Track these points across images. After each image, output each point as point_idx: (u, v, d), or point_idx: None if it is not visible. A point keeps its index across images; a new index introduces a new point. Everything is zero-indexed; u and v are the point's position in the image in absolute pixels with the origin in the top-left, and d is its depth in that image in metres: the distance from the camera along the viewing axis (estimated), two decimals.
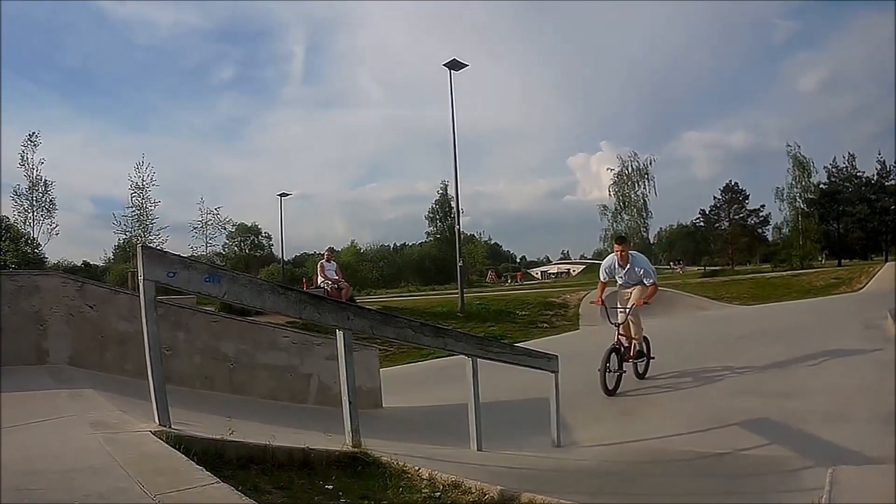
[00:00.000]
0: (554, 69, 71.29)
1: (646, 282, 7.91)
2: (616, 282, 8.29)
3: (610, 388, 7.26)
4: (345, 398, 3.81)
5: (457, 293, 21.87)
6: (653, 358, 8.20)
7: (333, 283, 14.72)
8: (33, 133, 35.08)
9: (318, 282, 15.13)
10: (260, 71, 50.08)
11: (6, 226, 36.16)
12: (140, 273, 3.15)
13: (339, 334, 3.89)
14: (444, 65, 23.35)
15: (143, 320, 3.17)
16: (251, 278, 3.79)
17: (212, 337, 6.21)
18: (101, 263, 46.95)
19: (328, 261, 15.30)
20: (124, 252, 39.01)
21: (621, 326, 7.87)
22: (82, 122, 61.73)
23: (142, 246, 3.19)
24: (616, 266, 8.11)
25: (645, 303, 7.82)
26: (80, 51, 57.57)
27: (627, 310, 7.89)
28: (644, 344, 8.18)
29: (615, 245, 8.34)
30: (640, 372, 8.06)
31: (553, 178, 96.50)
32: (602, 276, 8.41)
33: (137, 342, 5.31)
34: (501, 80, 66.29)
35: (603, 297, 8.22)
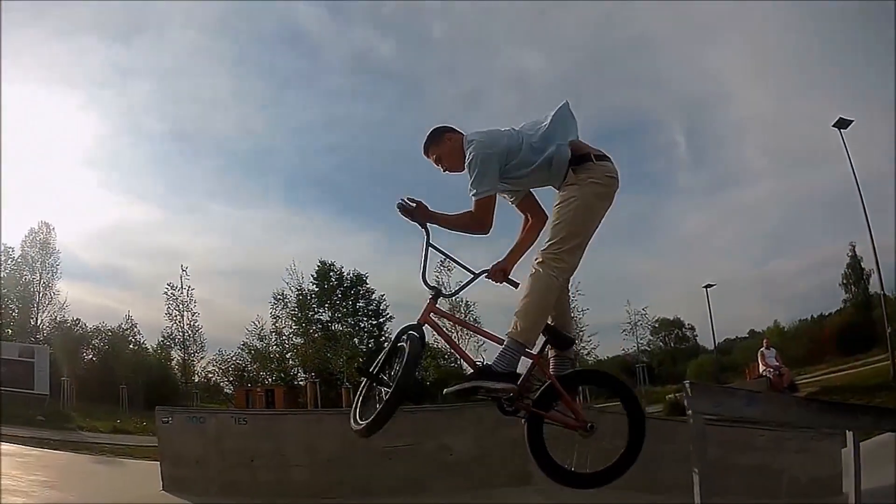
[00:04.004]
0: None
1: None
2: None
3: (359, 417, 3.25)
4: (852, 497, 3.89)
5: (885, 361, 20.07)
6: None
7: (774, 369, 14.66)
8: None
9: (760, 370, 15.22)
10: (650, 164, 50.21)
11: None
12: (689, 406, 3.55)
13: (849, 435, 3.95)
14: (832, 126, 21.87)
15: (695, 449, 3.55)
16: (780, 397, 4.01)
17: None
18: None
19: (767, 348, 15.46)
20: None
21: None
22: None
23: (689, 382, 3.59)
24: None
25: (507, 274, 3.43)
26: None
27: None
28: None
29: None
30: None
31: None
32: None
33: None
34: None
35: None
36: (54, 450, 10.40)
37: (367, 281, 38.39)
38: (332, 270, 37.83)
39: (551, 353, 3.31)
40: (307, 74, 46.84)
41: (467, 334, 28.28)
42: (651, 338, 46.17)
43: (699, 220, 49.91)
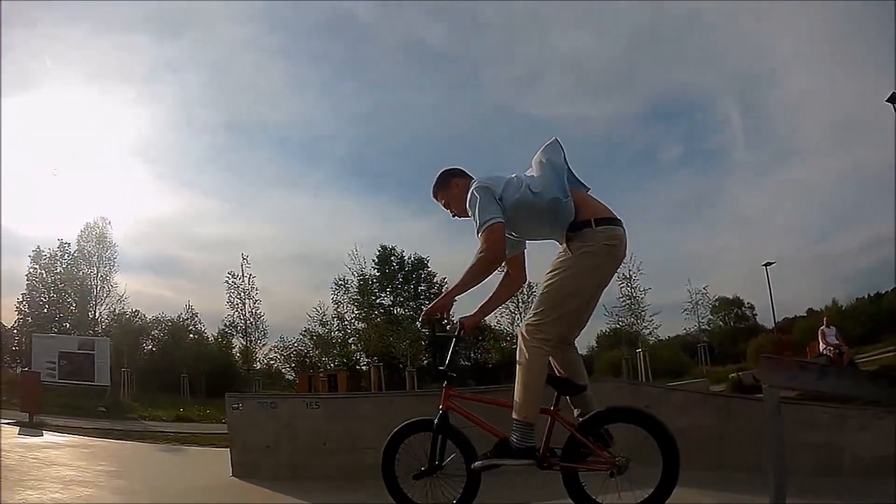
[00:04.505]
0: None
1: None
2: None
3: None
4: None
5: None
6: None
7: (835, 347, 14.48)
8: None
9: (821, 348, 14.97)
10: (706, 142, 48.28)
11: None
12: (763, 380, 3.49)
13: None
14: (886, 100, 21.22)
15: (770, 424, 3.49)
16: (852, 371, 3.92)
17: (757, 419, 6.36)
18: (583, 352, 48.91)
19: (828, 326, 15.20)
20: (609, 339, 39.85)
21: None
22: None
23: (764, 356, 3.53)
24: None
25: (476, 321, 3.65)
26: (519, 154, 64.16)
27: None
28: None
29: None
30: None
31: None
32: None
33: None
34: None
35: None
36: (118, 439, 10.57)
37: (428, 264, 38.62)
38: (394, 255, 38.01)
39: (571, 401, 3.30)
40: (359, 63, 47.58)
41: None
42: (711, 317, 44.79)
43: (757, 198, 48.13)
